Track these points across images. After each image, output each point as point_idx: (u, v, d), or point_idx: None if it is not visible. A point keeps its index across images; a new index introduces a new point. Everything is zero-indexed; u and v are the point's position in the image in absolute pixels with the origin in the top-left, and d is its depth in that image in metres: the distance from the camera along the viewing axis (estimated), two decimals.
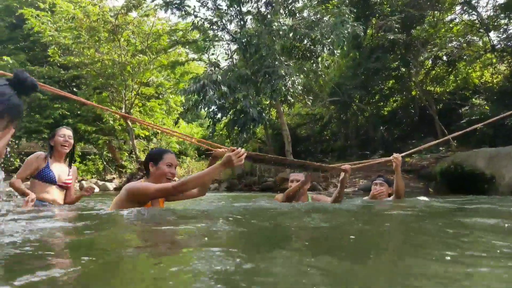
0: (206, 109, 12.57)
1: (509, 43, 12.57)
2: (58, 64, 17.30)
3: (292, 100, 11.95)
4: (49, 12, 17.45)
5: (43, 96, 16.81)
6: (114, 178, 18.96)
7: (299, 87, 12.02)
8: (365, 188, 10.52)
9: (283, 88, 11.21)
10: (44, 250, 1.40)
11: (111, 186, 16.70)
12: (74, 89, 17.99)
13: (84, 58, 16.01)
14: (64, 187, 3.70)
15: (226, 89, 11.66)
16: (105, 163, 20.27)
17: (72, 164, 3.87)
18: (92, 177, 19.65)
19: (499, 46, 13.78)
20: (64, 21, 16.07)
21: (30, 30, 16.75)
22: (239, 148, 2.45)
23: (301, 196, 3.98)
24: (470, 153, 8.42)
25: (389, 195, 4.18)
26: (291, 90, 11.56)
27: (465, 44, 14.48)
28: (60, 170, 3.67)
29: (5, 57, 16.20)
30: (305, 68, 13.07)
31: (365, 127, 16.13)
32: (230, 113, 12.72)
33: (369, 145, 14.80)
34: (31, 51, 18.78)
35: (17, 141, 18.62)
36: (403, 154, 4.16)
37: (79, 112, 17.63)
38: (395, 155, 3.93)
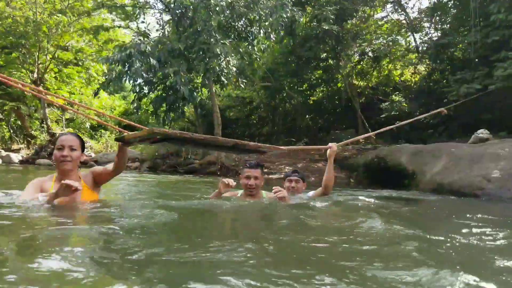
0: (131, 82, 11.71)
1: (429, 46, 13.46)
2: None
3: (226, 82, 11.59)
4: None
5: None
6: (21, 148, 17.14)
7: (234, 68, 11.69)
8: None
9: (217, 67, 10.80)
10: None
11: (16, 158, 15.01)
12: None
13: None
14: None
15: (156, 62, 10.89)
16: (11, 131, 18.22)
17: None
18: None
19: (421, 47, 14.76)
20: None
21: None
22: (68, 181, 2.27)
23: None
24: (394, 148, 8.83)
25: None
26: (225, 71, 11.19)
27: (390, 43, 15.29)
28: None
29: None
30: (241, 50, 12.75)
31: (293, 115, 16.38)
32: (158, 88, 11.97)
33: (295, 133, 15.08)
34: None
35: None
36: (339, 143, 4.06)
37: None
38: (331, 144, 3.78)
